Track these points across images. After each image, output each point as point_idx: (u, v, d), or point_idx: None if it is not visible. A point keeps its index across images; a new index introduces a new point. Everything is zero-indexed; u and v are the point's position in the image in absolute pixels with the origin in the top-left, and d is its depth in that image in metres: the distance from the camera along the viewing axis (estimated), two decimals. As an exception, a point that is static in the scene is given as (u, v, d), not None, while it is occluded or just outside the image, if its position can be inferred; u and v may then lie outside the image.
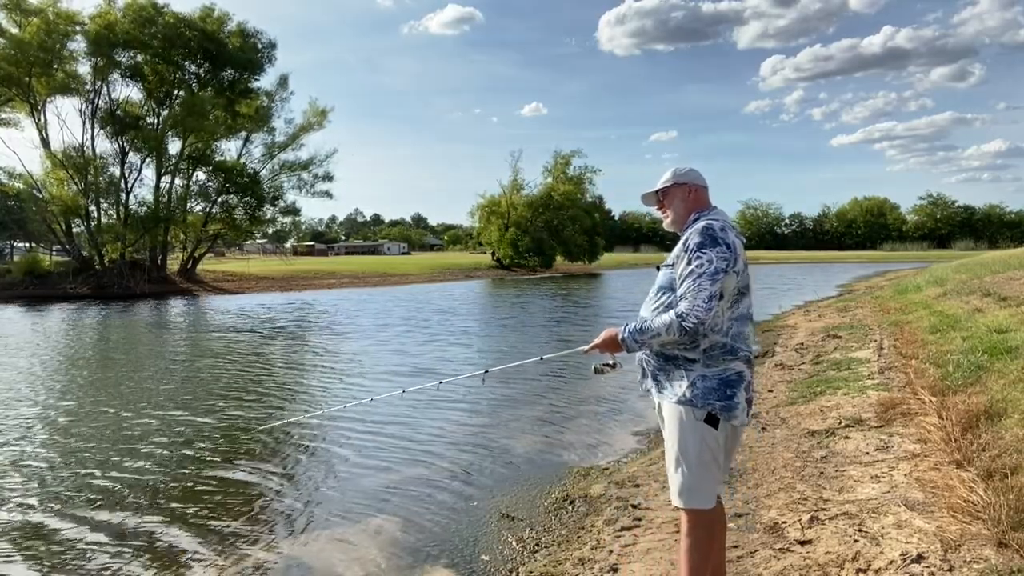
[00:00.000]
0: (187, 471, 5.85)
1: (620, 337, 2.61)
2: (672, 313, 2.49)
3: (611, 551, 3.79)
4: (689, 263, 2.52)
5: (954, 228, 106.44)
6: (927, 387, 6.01)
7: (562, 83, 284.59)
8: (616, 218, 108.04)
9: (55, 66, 31.18)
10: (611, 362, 2.82)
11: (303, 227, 48.08)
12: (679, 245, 2.65)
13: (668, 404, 2.61)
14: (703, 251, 2.50)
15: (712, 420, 2.52)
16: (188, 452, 6.39)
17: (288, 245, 55.91)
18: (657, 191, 2.83)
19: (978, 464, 3.91)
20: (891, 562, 3.01)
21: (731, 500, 4.11)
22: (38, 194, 32.49)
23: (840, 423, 5.46)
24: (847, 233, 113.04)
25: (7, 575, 4.04)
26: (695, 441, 2.54)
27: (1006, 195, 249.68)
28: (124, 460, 6.15)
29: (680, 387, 2.56)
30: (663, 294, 2.65)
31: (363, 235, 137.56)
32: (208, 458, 6.21)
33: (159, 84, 34.08)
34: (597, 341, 2.73)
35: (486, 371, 3.58)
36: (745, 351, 2.59)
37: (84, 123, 33.36)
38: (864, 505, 3.73)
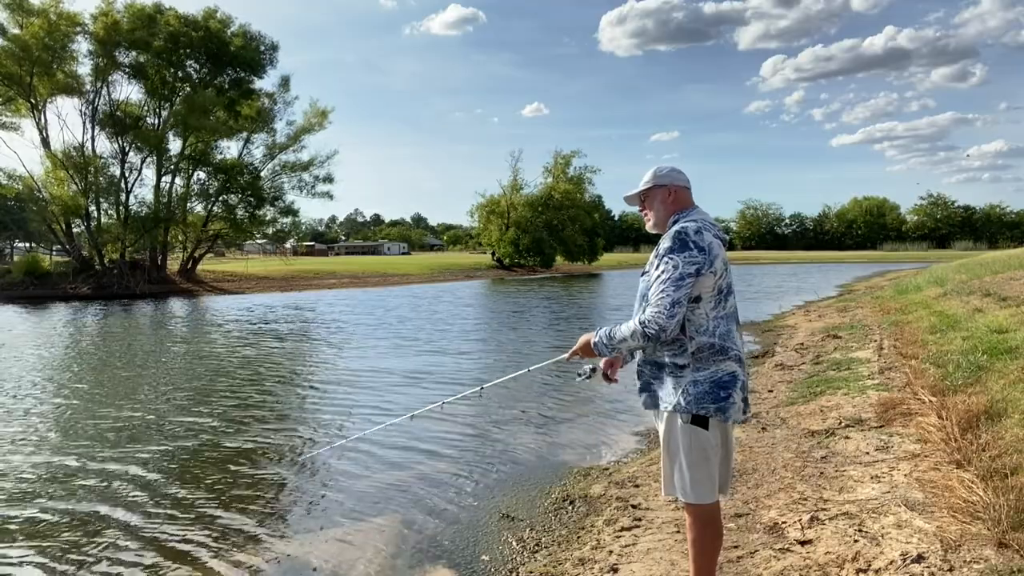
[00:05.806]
0: (185, 470, 5.85)
1: (592, 342, 2.66)
2: (636, 319, 2.51)
3: (611, 551, 3.79)
4: (658, 267, 2.52)
5: (954, 228, 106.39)
6: (927, 387, 6.01)
7: (563, 83, 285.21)
8: (616, 218, 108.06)
9: (56, 66, 31.18)
10: (591, 367, 2.90)
11: (303, 227, 48.01)
12: (655, 250, 2.65)
13: (662, 411, 2.63)
14: (671, 256, 2.49)
15: (700, 421, 2.53)
16: (187, 451, 6.39)
17: (288, 245, 55.85)
18: (639, 192, 2.79)
19: (978, 464, 3.91)
20: (891, 562, 3.01)
21: (731, 500, 4.10)
22: (38, 194, 32.49)
23: (840, 423, 5.46)
24: (847, 233, 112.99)
25: (10, 573, 4.04)
26: (686, 443, 2.56)
27: (1006, 195, 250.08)
28: (121, 459, 6.14)
29: (672, 395, 2.56)
30: (646, 301, 2.62)
31: (363, 235, 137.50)
32: (207, 458, 6.21)
33: (161, 84, 34.08)
34: (575, 348, 2.77)
35: (481, 387, 3.92)
36: (735, 350, 2.57)
37: (84, 123, 33.46)
38: (864, 505, 3.73)
